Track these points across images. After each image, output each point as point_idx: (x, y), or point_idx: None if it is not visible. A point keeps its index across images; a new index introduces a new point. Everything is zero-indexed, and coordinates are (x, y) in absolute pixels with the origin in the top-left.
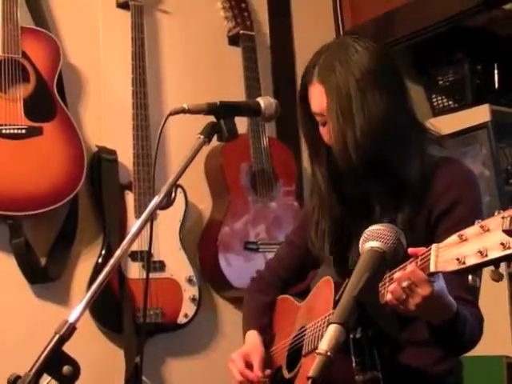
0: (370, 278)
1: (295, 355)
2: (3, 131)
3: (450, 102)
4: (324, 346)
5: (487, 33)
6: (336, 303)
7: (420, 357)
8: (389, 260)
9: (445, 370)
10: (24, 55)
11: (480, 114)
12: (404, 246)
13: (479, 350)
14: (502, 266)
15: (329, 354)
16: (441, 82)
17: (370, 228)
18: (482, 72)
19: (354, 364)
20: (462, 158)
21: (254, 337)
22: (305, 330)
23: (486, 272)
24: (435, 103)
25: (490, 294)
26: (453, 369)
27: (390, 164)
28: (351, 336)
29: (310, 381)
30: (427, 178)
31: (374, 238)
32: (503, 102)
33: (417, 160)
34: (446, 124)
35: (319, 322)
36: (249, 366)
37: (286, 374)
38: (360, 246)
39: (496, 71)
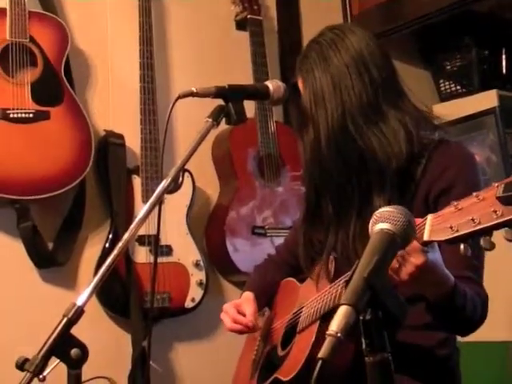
0: (380, 259)
1: (291, 334)
2: (11, 115)
3: (458, 88)
4: (334, 327)
5: (495, 18)
6: (346, 284)
7: (419, 341)
8: (399, 242)
9: (444, 355)
10: (31, 40)
11: (487, 100)
12: (414, 228)
13: (484, 336)
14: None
15: (339, 335)
16: (448, 68)
17: (380, 210)
18: (490, 57)
19: (363, 346)
20: (470, 143)
21: (247, 295)
22: (302, 309)
23: (491, 256)
24: (442, 88)
25: (496, 280)
26: (452, 353)
27: (366, 153)
28: (361, 318)
29: (319, 362)
30: (423, 162)
31: (383, 220)
32: (510, 87)
33: (401, 145)
34: (453, 109)
35: (315, 300)
36: (241, 314)
37: (280, 352)
38: (370, 227)
39: (504, 56)
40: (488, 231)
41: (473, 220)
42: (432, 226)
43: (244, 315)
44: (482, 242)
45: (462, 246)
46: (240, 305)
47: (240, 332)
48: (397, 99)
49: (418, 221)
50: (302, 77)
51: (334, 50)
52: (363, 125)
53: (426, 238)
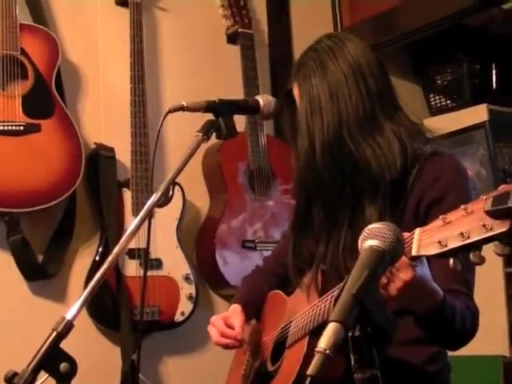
0: (369, 275)
1: (280, 348)
2: (1, 128)
3: (448, 102)
4: (323, 344)
5: (486, 32)
6: (335, 301)
7: (409, 356)
8: (388, 258)
9: (434, 371)
10: (22, 52)
11: (478, 114)
12: (403, 244)
13: (476, 350)
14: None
15: (327, 352)
16: (439, 82)
17: (370, 226)
18: (480, 72)
19: (352, 362)
20: (460, 157)
21: (235, 307)
22: (291, 323)
23: (483, 271)
24: (433, 103)
25: (488, 294)
26: (441, 370)
27: (360, 164)
28: (350, 334)
29: (308, 379)
30: (413, 172)
31: (373, 237)
32: (501, 101)
33: (395, 157)
34: (443, 123)
35: (303, 314)
36: (229, 327)
37: (270, 367)
38: (359, 244)
39: (494, 71)
40: (477, 245)
41: (461, 234)
42: (420, 241)
43: (232, 328)
44: (471, 256)
45: (451, 261)
46: (228, 317)
47: (226, 347)
48: (392, 111)
49: (406, 235)
50: (299, 83)
51: (331, 57)
52: (359, 135)
53: (414, 253)
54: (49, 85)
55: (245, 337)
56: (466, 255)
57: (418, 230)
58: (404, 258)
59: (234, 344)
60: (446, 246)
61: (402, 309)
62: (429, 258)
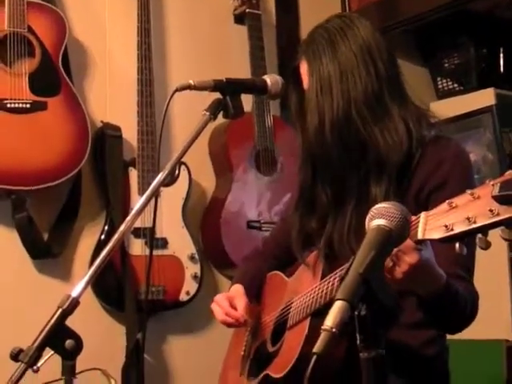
0: (376, 255)
1: (280, 329)
2: (8, 105)
3: (455, 85)
4: (329, 322)
5: (492, 17)
6: (341, 279)
7: (410, 339)
8: (395, 238)
9: (433, 354)
10: (30, 30)
11: (484, 98)
12: (410, 224)
13: (479, 334)
14: (505, 250)
15: (334, 330)
16: (446, 65)
17: (377, 206)
18: (488, 56)
19: (358, 341)
20: (466, 141)
21: (238, 287)
22: (291, 304)
23: (487, 255)
24: (440, 86)
25: (492, 278)
26: (440, 353)
27: (368, 144)
28: (356, 313)
29: (314, 357)
30: (417, 156)
31: (380, 216)
32: (508, 86)
33: (402, 141)
34: (450, 107)
35: (305, 295)
36: (233, 307)
37: (270, 348)
38: (366, 223)
39: (501, 55)
40: (484, 230)
41: (468, 219)
42: (426, 225)
43: (236, 309)
44: (477, 241)
45: (457, 245)
46: (233, 298)
47: (230, 325)
48: (399, 94)
49: (412, 218)
50: (308, 61)
51: (342, 37)
52: (367, 116)
53: (419, 236)
54: (56, 63)
55: (248, 318)
56: (471, 240)
57: (423, 214)
58: (410, 242)
59: (238, 325)
60: (452, 230)
61: (405, 291)
62: (434, 242)
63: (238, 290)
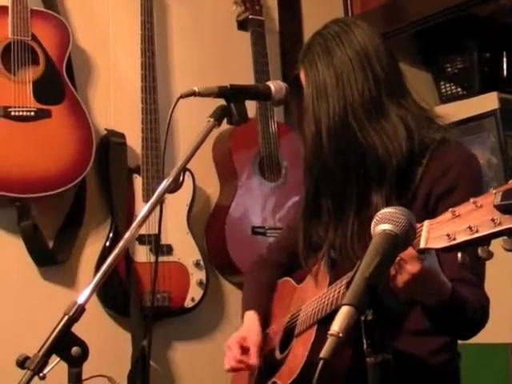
0: (381, 260)
1: (289, 337)
2: (12, 113)
3: (458, 90)
4: (336, 327)
5: (495, 21)
6: (348, 285)
7: (418, 346)
8: (401, 243)
9: (443, 361)
10: (33, 38)
11: (488, 102)
12: (415, 229)
13: (484, 338)
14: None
15: (340, 335)
16: (449, 70)
17: (382, 211)
18: (491, 60)
19: (365, 346)
20: (470, 145)
21: (251, 318)
22: (299, 312)
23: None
24: (443, 90)
25: (496, 282)
26: (451, 359)
27: (366, 149)
28: (362, 318)
29: (321, 362)
30: (424, 162)
31: (385, 221)
32: (511, 90)
33: (401, 142)
34: (453, 111)
35: (312, 303)
36: (245, 350)
37: (278, 355)
38: (372, 228)
39: (505, 59)
40: (486, 240)
41: (470, 228)
42: (428, 233)
43: (247, 350)
44: (479, 251)
45: (459, 255)
46: (245, 338)
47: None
48: (399, 97)
49: (416, 226)
50: (305, 69)
51: (337, 42)
52: (364, 120)
53: (422, 245)
54: (60, 71)
55: (260, 359)
56: (474, 250)
57: (427, 222)
58: (412, 250)
59: (248, 370)
60: (454, 239)
61: (409, 299)
62: (436, 251)
63: (250, 325)
